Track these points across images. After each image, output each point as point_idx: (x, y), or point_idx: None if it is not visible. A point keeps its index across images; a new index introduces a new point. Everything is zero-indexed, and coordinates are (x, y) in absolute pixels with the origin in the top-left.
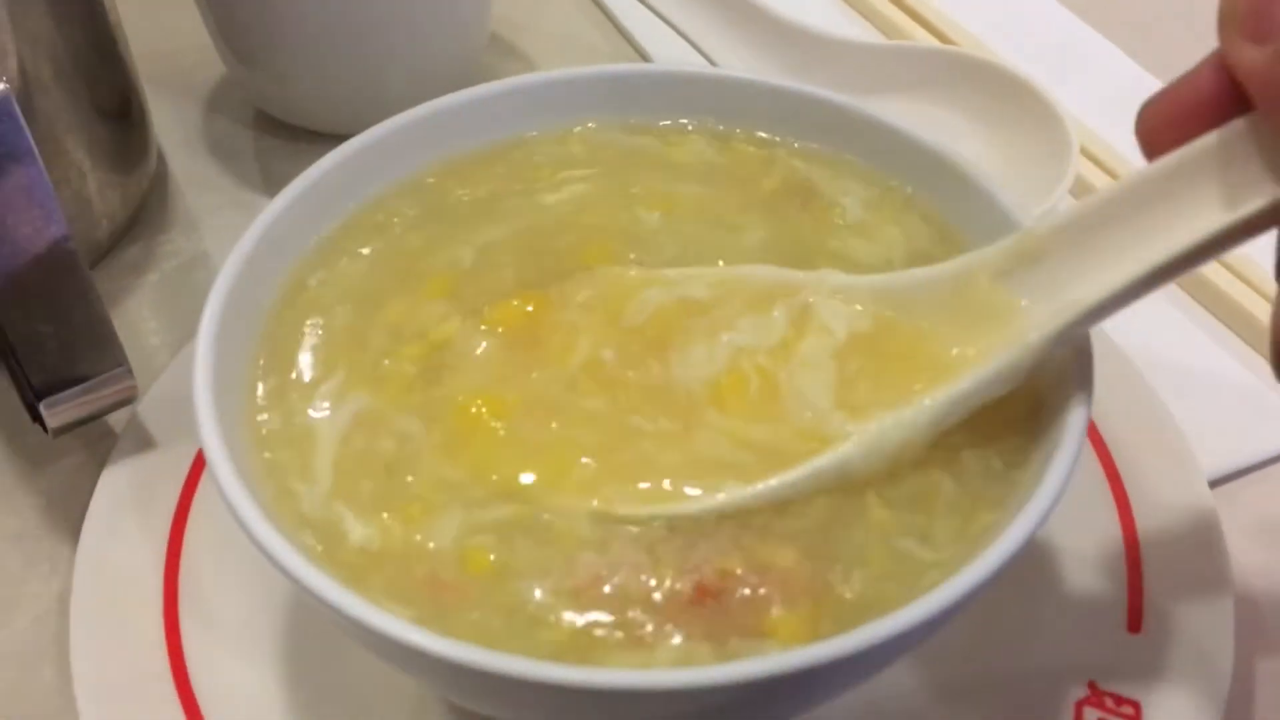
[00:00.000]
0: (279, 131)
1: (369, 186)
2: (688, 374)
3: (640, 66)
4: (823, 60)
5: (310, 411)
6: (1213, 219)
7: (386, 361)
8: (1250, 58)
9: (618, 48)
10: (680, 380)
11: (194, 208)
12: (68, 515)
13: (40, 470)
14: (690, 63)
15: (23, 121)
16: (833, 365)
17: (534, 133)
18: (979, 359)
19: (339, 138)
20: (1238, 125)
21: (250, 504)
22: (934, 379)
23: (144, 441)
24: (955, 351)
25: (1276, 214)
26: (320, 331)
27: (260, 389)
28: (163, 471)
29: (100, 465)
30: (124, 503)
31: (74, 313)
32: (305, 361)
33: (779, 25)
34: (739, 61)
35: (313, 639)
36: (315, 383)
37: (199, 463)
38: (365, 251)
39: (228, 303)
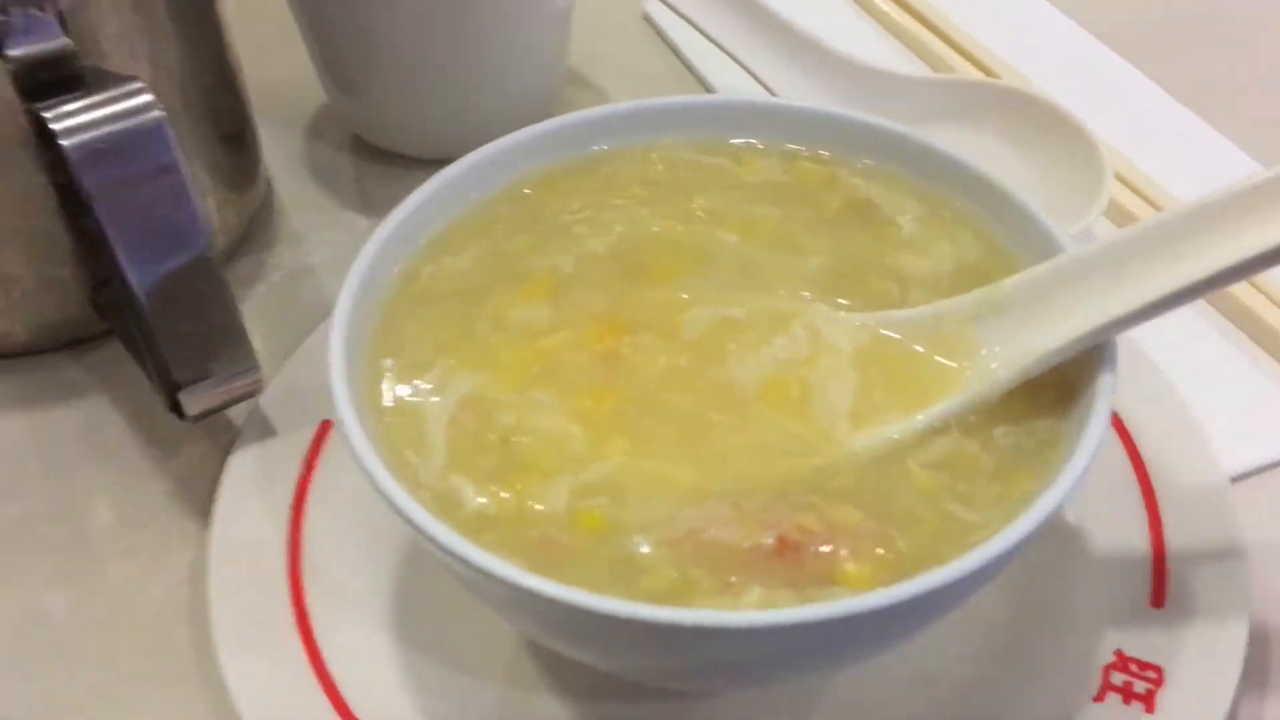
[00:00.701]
0: (374, 156)
1: (472, 194)
2: (741, 377)
3: (716, 97)
4: (874, 91)
5: (424, 391)
6: (1154, 286)
7: (493, 350)
8: None
9: (681, 78)
10: (735, 383)
11: (297, 226)
12: (194, 496)
13: (169, 457)
14: (754, 92)
15: (174, 142)
16: (849, 375)
17: (620, 150)
18: (956, 388)
19: (430, 162)
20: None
21: (381, 467)
22: (925, 395)
23: (265, 430)
24: (943, 372)
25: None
26: (430, 321)
27: (378, 370)
28: (282, 456)
29: (221, 453)
30: (249, 483)
31: (212, 313)
32: (418, 346)
33: (833, 58)
34: (795, 91)
35: (419, 599)
36: (427, 365)
37: (314, 448)
38: (470, 252)
39: (357, 294)
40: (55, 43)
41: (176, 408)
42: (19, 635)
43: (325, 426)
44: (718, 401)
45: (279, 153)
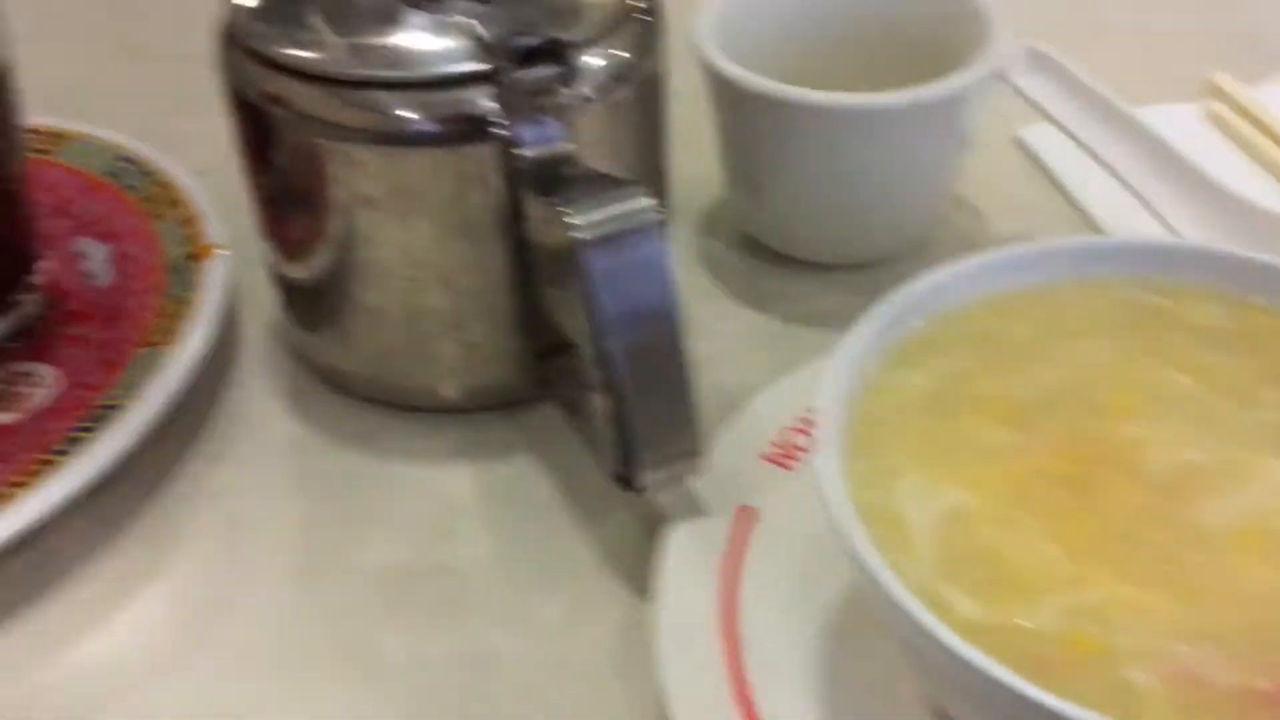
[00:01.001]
0: (765, 254)
1: (928, 312)
2: (1210, 520)
3: (1158, 239)
4: (1273, 237)
5: (901, 498)
6: None
7: (963, 467)
8: None
9: (1058, 205)
10: (1205, 525)
11: (692, 316)
12: (618, 560)
13: (593, 521)
14: (1143, 226)
15: (666, 240)
16: None
17: (1062, 282)
18: None
19: (817, 265)
20: None
21: (885, 569)
22: None
23: (691, 508)
24: None
25: None
26: (896, 431)
27: (851, 473)
28: (709, 534)
29: (638, 522)
30: (684, 556)
31: (676, 394)
32: (887, 455)
33: (1233, 200)
34: (1195, 232)
35: (843, 682)
36: (898, 474)
37: (737, 529)
38: (927, 368)
39: (840, 401)
40: (561, 146)
41: (623, 478)
42: (469, 670)
43: (742, 512)
44: (1190, 541)
45: (675, 244)
